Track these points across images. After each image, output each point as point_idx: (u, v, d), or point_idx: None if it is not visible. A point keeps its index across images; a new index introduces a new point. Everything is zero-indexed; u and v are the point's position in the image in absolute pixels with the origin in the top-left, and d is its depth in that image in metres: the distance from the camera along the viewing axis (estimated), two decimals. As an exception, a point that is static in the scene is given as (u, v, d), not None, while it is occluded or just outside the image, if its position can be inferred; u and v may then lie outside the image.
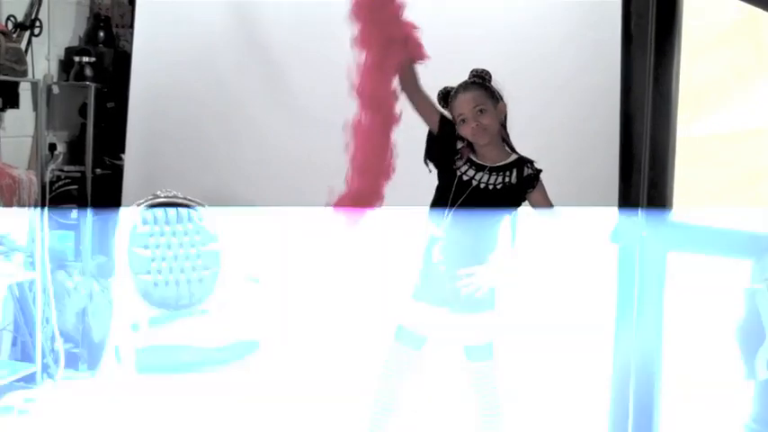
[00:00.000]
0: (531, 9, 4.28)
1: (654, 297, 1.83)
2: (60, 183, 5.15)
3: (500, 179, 3.06)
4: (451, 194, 3.06)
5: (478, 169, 3.07)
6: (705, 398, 2.97)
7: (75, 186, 5.18)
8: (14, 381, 4.76)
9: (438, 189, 3.15)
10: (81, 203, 5.17)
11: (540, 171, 3.11)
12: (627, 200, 1.82)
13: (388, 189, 3.16)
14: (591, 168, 3.57)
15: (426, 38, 4.02)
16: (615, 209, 2.07)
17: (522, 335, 4.03)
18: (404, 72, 3.06)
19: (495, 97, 3.07)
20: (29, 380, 4.85)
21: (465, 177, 3.06)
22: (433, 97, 3.13)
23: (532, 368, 4.14)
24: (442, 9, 4.46)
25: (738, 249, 1.73)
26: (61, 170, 5.18)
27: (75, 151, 5.30)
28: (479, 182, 3.06)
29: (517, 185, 3.07)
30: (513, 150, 3.15)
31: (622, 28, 1.76)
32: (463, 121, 3.04)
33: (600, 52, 3.61)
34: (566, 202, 3.60)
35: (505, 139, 3.15)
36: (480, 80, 3.09)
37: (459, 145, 3.13)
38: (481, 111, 3.02)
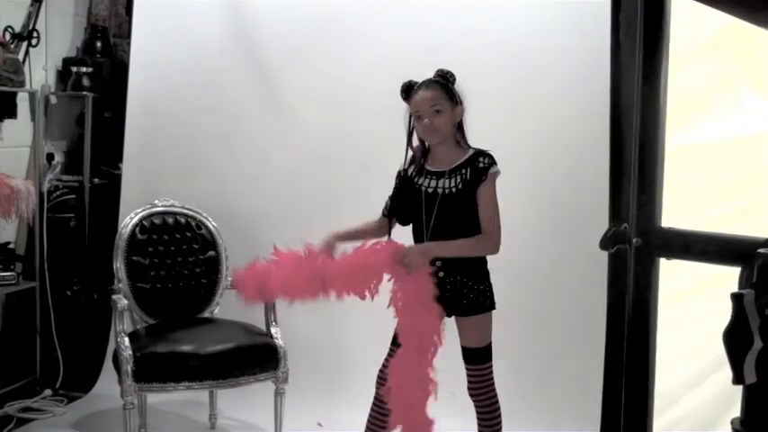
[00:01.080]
0: (525, 19, 4.31)
1: (645, 303, 1.86)
2: (58, 192, 5.17)
3: (459, 179, 3.08)
4: (423, 208, 3.10)
5: (438, 177, 3.11)
6: (695, 401, 2.99)
7: (74, 196, 5.20)
8: (13, 390, 4.79)
9: (408, 207, 3.18)
10: (79, 213, 5.20)
11: (493, 164, 3.08)
12: (617, 207, 1.86)
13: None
14: (582, 175, 3.59)
15: (426, 45, 4.07)
16: (606, 216, 2.10)
17: (517, 339, 4.05)
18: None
19: (453, 100, 3.10)
20: (28, 389, 4.87)
21: (429, 189, 3.10)
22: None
23: (527, 371, 4.16)
24: (441, 18, 4.50)
25: (727, 255, 1.75)
26: (59, 180, 5.21)
27: (72, 161, 5.32)
28: (444, 189, 3.08)
29: (470, 180, 3.08)
30: (469, 146, 3.15)
31: (611, 38, 1.79)
32: (419, 117, 3.08)
33: (592, 61, 3.65)
34: (558, 208, 3.62)
35: (460, 141, 3.16)
36: (443, 80, 3.12)
37: (411, 171, 3.18)
38: (437, 111, 3.06)
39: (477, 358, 3.20)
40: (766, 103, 2.83)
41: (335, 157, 4.76)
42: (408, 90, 3.14)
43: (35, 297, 4.97)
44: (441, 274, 3.13)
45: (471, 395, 3.25)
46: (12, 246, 4.98)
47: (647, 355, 1.84)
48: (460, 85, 3.13)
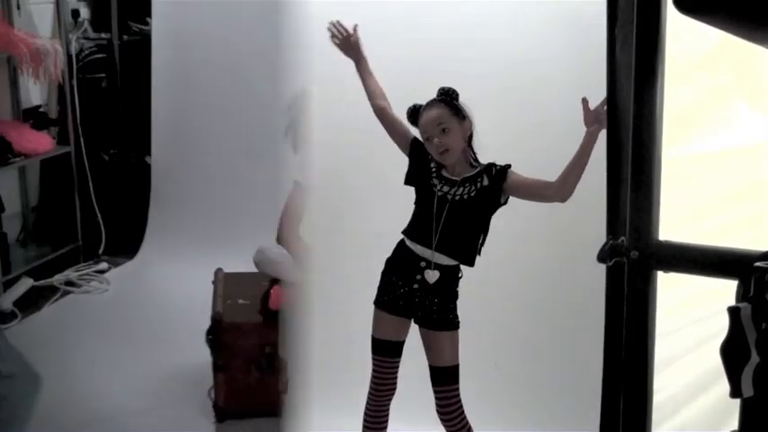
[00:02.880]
0: (523, 30, 4.03)
1: (642, 316, 1.82)
2: (87, 51, 5.07)
3: (473, 186, 2.98)
4: (434, 211, 2.99)
5: (452, 185, 3.00)
6: (694, 416, 2.98)
7: (103, 55, 5.10)
8: (58, 257, 4.88)
9: (419, 207, 3.07)
10: (110, 73, 5.12)
11: (509, 165, 2.99)
12: (614, 219, 1.80)
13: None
14: (581, 186, 3.47)
15: (425, 58, 3.91)
16: (603, 229, 2.01)
17: (516, 348, 4.03)
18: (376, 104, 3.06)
19: (460, 115, 2.97)
20: (70, 257, 4.97)
21: (440, 193, 3.00)
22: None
23: (525, 381, 4.14)
24: (439, 29, 4.23)
25: (724, 268, 1.70)
26: (87, 38, 5.09)
27: (99, 17, 5.16)
28: (454, 195, 2.98)
29: (490, 185, 2.98)
30: (479, 164, 3.03)
31: (607, 52, 1.70)
32: (428, 139, 2.97)
33: (590, 73, 3.41)
34: (556, 219, 3.57)
35: (472, 155, 3.04)
36: (447, 98, 2.99)
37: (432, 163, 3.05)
38: (444, 129, 2.93)
39: (452, 377, 3.09)
40: (760, 116, 2.75)
41: (336, 167, 4.60)
42: (414, 114, 3.02)
43: (71, 162, 4.96)
44: (416, 287, 3.03)
45: (445, 419, 3.12)
46: (43, 110, 4.96)
47: (645, 369, 1.82)
48: (465, 101, 2.99)
